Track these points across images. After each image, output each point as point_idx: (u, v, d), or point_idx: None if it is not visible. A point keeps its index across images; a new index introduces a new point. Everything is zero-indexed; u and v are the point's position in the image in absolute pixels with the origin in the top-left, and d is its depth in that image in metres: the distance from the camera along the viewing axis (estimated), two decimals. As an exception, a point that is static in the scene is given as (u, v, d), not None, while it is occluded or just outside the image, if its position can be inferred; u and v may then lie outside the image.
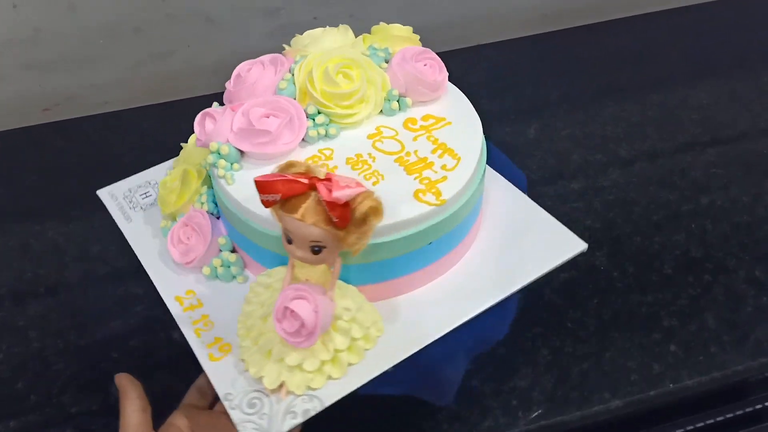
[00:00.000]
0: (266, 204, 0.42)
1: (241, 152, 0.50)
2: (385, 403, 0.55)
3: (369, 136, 0.52)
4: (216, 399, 0.50)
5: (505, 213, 0.55)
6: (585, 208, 0.72)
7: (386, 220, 0.44)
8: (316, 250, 0.42)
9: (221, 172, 0.49)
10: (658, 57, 0.96)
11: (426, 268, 0.50)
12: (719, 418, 0.70)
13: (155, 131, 0.85)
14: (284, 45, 0.57)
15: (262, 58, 0.54)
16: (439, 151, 0.50)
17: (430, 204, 0.46)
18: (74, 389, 0.58)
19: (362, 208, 0.41)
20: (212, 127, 0.50)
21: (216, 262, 0.52)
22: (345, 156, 0.50)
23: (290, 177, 0.41)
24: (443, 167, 0.49)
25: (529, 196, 0.58)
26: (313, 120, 0.51)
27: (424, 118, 0.53)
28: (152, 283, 0.54)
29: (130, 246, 0.58)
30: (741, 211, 0.71)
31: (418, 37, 0.58)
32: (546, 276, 0.64)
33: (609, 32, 1.01)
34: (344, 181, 0.40)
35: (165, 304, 0.53)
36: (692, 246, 0.68)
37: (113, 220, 0.72)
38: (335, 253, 0.43)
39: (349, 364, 0.45)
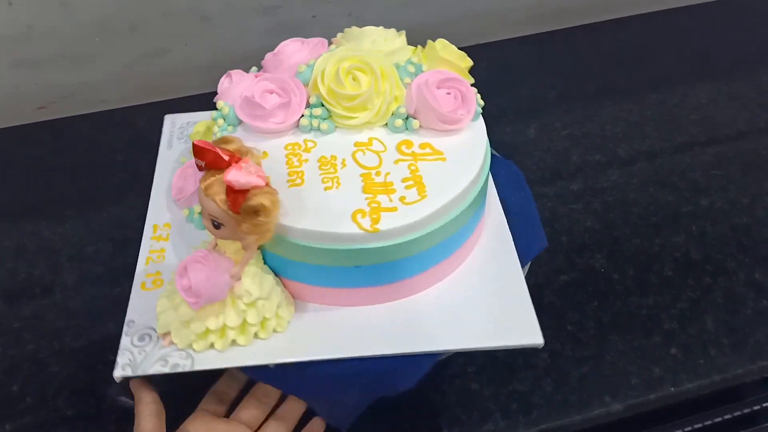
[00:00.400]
0: (198, 168, 0.43)
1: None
2: (384, 405, 0.55)
3: (356, 144, 0.51)
4: (233, 406, 0.50)
5: (485, 271, 0.52)
6: (584, 209, 0.72)
7: (312, 226, 0.45)
8: (215, 224, 0.43)
9: (215, 129, 0.52)
10: (657, 57, 0.95)
11: (360, 290, 0.49)
12: (717, 419, 0.70)
13: (151, 130, 0.84)
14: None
15: (311, 39, 0.56)
16: (410, 182, 0.48)
17: (361, 227, 0.45)
18: (70, 392, 0.57)
19: (253, 201, 0.41)
20: (227, 86, 0.53)
21: (196, 208, 0.54)
22: (321, 153, 0.50)
23: (216, 149, 0.42)
24: (401, 198, 0.47)
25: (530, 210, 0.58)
26: (311, 110, 0.52)
27: (422, 145, 0.51)
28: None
29: (127, 247, 0.59)
30: (740, 213, 0.71)
31: (469, 65, 0.55)
32: (545, 278, 0.64)
33: (608, 32, 1.01)
34: (250, 170, 0.41)
35: None
36: (692, 248, 0.67)
37: (109, 220, 0.72)
38: (238, 234, 0.44)
39: (234, 342, 0.47)
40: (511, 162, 0.62)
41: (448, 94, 0.52)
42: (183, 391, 0.49)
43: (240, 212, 0.42)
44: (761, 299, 0.63)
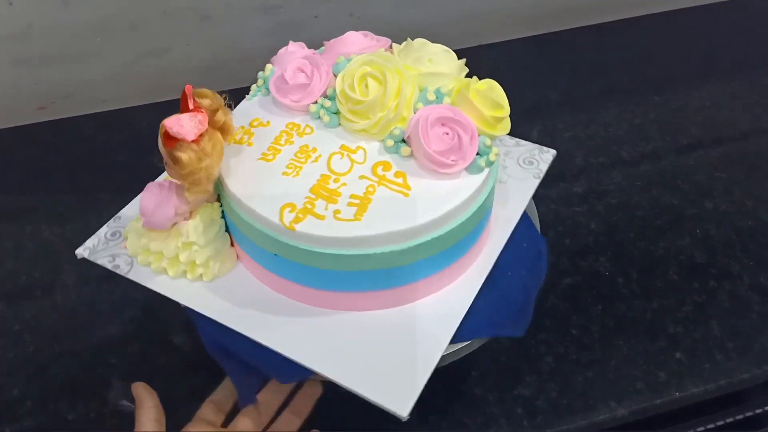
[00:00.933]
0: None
1: None
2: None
3: (342, 146, 0.51)
4: (231, 416, 0.50)
5: (411, 324, 0.49)
6: (588, 212, 0.71)
7: (243, 196, 0.47)
8: (165, 161, 0.46)
9: (254, 86, 0.57)
10: (660, 58, 0.95)
11: (280, 279, 0.50)
12: (720, 423, 0.70)
13: (152, 131, 0.83)
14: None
15: (382, 37, 0.56)
16: (357, 201, 0.47)
17: (280, 218, 0.46)
18: (70, 395, 0.57)
19: (174, 151, 0.44)
20: (282, 53, 0.56)
21: None
22: (307, 142, 0.52)
23: (188, 97, 0.46)
24: (336, 212, 0.46)
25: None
26: (323, 100, 0.53)
27: (397, 174, 0.49)
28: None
29: None
30: (745, 216, 0.71)
31: (500, 116, 0.50)
32: (549, 281, 0.64)
33: (611, 33, 1.01)
34: (190, 124, 0.44)
35: (163, 309, 0.58)
36: (696, 251, 0.67)
37: (109, 221, 0.71)
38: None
39: (164, 270, 0.51)
40: (543, 240, 0.57)
41: (446, 134, 0.48)
42: (184, 397, 0.49)
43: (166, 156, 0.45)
44: (766, 303, 0.62)
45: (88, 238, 0.67)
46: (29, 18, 0.80)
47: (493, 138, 0.51)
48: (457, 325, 0.49)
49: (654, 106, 0.86)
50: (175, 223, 0.50)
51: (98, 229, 0.71)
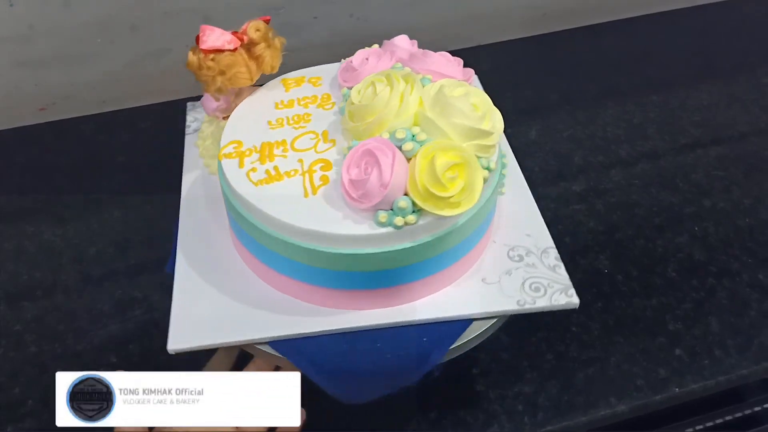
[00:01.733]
0: None
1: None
2: (391, 406, 0.55)
3: (323, 132, 0.54)
4: None
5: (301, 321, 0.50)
6: (587, 211, 0.72)
7: (235, 117, 0.55)
8: None
9: (342, 60, 0.61)
10: (659, 58, 0.95)
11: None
12: (718, 421, 0.70)
13: (153, 131, 0.84)
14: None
15: (468, 69, 0.58)
16: (273, 173, 0.50)
17: (223, 147, 0.52)
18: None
19: (191, 49, 0.52)
20: (391, 41, 0.60)
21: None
22: (313, 112, 0.55)
23: (247, 23, 0.54)
24: (252, 170, 0.50)
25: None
26: (354, 89, 0.55)
27: (323, 177, 0.49)
28: (152, 286, 0.61)
29: (129, 248, 0.62)
30: (743, 214, 0.71)
31: (435, 195, 0.45)
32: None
33: (609, 33, 1.01)
34: (217, 39, 0.52)
35: (163, 309, 0.56)
36: (695, 249, 0.67)
37: (110, 222, 0.72)
38: None
39: (198, 146, 0.61)
40: (440, 358, 0.49)
41: (366, 168, 0.46)
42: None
43: None
44: (765, 300, 0.63)
45: (88, 239, 0.68)
46: (30, 19, 0.80)
47: (419, 210, 0.46)
48: (287, 333, 0.49)
49: (652, 106, 0.86)
50: (217, 117, 0.57)
51: (99, 229, 0.72)
